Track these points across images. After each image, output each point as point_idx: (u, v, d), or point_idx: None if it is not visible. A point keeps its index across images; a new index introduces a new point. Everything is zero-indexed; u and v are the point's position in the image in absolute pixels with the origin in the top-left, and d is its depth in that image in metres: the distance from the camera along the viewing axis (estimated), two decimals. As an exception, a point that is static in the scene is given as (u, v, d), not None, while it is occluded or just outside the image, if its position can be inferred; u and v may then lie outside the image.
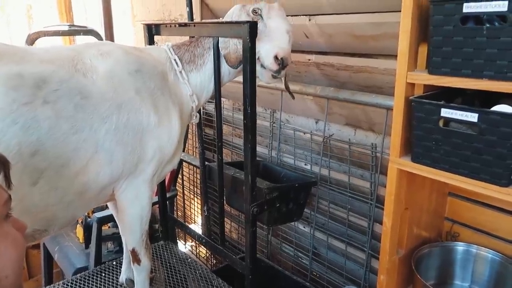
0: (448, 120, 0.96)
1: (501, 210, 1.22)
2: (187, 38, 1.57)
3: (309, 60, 1.93)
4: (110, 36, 3.21)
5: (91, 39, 3.08)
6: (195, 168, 2.82)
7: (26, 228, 0.66)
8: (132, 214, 1.29)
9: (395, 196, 1.12)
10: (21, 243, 0.63)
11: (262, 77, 1.43)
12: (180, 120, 1.34)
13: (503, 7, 0.79)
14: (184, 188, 3.02)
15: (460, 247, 1.25)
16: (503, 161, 0.86)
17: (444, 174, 0.98)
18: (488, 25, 0.85)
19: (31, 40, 2.85)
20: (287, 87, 1.59)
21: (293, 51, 1.45)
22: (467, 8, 0.84)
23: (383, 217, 1.15)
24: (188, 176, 2.95)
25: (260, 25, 1.33)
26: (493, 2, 0.80)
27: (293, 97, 1.63)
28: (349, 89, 1.75)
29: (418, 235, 1.27)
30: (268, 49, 1.35)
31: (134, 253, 1.34)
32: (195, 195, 2.93)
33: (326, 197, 1.91)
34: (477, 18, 0.88)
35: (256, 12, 1.35)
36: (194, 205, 2.97)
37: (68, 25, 3.42)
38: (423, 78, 1.01)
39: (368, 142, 1.73)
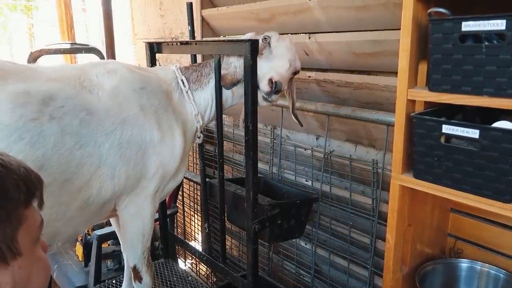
0: (449, 136, 0.96)
1: (504, 226, 1.22)
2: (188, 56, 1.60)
3: (309, 77, 1.95)
4: (111, 54, 3.26)
5: (92, 57, 3.11)
6: (195, 185, 2.81)
7: (47, 248, 0.66)
8: (134, 231, 1.29)
9: (398, 213, 1.11)
10: (49, 265, 0.64)
11: None
12: (184, 138, 1.35)
13: (501, 25, 0.80)
14: (185, 205, 3.01)
15: (464, 263, 1.24)
16: (505, 177, 0.87)
17: (446, 190, 0.98)
18: (487, 43, 0.86)
19: (33, 58, 2.89)
20: (295, 115, 1.62)
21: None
22: (466, 26, 0.86)
23: (386, 234, 1.14)
24: (188, 193, 2.94)
25: (265, 50, 1.39)
26: (491, 21, 0.81)
27: (301, 125, 1.65)
28: (350, 105, 1.76)
29: (421, 251, 1.26)
30: (266, 71, 1.39)
31: (135, 271, 1.33)
32: (195, 211, 2.91)
33: (327, 214, 1.90)
34: (476, 36, 0.89)
35: (266, 39, 1.41)
36: (195, 222, 2.95)
37: (70, 43, 3.47)
38: (424, 95, 1.02)
39: (369, 158, 1.73)
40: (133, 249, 1.32)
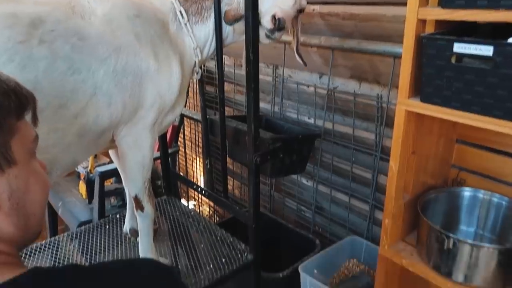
0: (461, 56, 0.92)
1: (509, 155, 1.20)
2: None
3: (313, 10, 1.86)
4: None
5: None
6: (196, 127, 2.80)
7: (46, 168, 0.65)
8: (133, 162, 1.28)
9: (403, 140, 1.09)
10: (47, 181, 0.64)
11: None
12: (181, 70, 1.31)
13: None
14: (186, 147, 3.01)
15: (466, 192, 1.24)
16: (518, 95, 0.83)
17: (455, 113, 0.95)
18: None
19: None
20: (299, 55, 1.56)
21: None
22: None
23: (390, 162, 1.13)
24: (189, 135, 2.93)
25: None
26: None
27: (305, 64, 1.59)
28: (355, 39, 1.69)
29: (424, 181, 1.26)
30: (269, 7, 1.33)
31: (137, 200, 1.34)
32: (197, 154, 2.92)
33: (329, 151, 1.89)
34: None
35: None
36: (197, 163, 2.97)
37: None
38: (436, 13, 0.96)
39: (373, 95, 1.69)
40: (134, 180, 1.32)
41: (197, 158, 2.95)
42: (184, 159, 3.05)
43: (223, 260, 1.56)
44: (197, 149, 2.89)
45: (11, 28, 0.96)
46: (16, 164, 0.56)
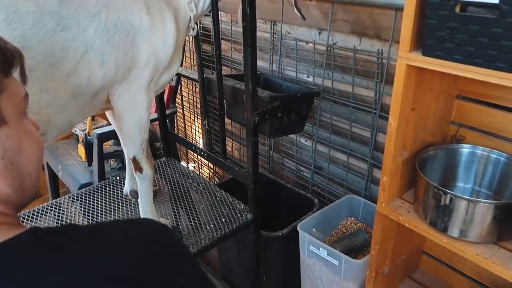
0: (466, 5, 0.87)
1: (509, 110, 1.18)
2: None
3: (313, -39, 1.77)
4: None
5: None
6: (194, 88, 2.76)
7: (39, 128, 0.63)
8: (130, 122, 1.26)
9: (402, 95, 1.07)
10: (41, 140, 0.62)
11: None
12: (176, 26, 1.26)
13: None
14: (184, 108, 2.98)
15: (465, 149, 1.23)
16: (523, 46, 0.80)
17: (457, 66, 0.92)
18: None
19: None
20: (297, 8, 1.49)
21: None
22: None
23: (389, 118, 1.11)
24: (187, 96, 2.90)
25: None
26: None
27: (304, 18, 1.52)
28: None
29: (423, 138, 1.24)
30: None
31: (135, 162, 1.33)
32: (195, 115, 2.90)
33: (328, 110, 1.87)
34: None
35: None
36: (195, 125, 2.95)
37: None
38: (441, -41, 0.91)
39: (374, 50, 1.64)
40: (131, 141, 1.30)
41: (196, 119, 2.93)
42: (182, 121, 3.03)
43: (223, 220, 1.58)
44: (195, 110, 2.86)
45: None
46: (7, 122, 0.54)
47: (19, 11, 0.94)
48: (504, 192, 1.16)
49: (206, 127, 1.78)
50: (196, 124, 2.94)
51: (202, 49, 2.38)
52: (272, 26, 2.06)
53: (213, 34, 1.52)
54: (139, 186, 1.40)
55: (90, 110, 1.23)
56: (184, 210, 1.67)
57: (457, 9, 0.88)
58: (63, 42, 1.01)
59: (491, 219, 1.00)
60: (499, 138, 1.22)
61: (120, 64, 1.14)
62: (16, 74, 0.60)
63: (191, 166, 3.15)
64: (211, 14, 1.47)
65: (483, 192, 1.22)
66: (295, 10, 1.52)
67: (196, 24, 1.43)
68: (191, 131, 3.01)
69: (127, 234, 0.56)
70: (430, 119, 1.23)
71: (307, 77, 1.97)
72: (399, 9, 1.42)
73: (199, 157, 2.92)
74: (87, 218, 1.60)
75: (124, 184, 1.76)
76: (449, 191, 1.02)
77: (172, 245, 0.57)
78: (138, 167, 1.35)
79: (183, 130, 3.08)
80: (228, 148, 2.47)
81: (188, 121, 3.02)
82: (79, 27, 1.04)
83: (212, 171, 2.95)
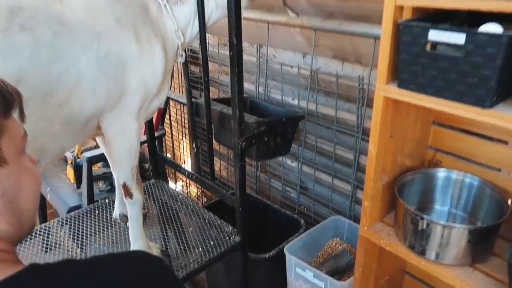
0: (435, 44, 0.94)
1: (481, 136, 1.25)
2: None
3: (296, -10, 1.85)
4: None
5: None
6: (182, 108, 2.80)
7: (35, 162, 0.65)
8: (120, 149, 1.30)
9: (381, 124, 1.13)
10: (38, 176, 0.64)
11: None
12: (164, 54, 1.31)
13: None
14: (172, 129, 3.02)
15: (441, 173, 1.29)
16: (487, 83, 0.87)
17: (429, 99, 0.98)
18: None
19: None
20: (287, 5, 1.54)
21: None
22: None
23: (369, 145, 1.17)
24: (175, 116, 2.93)
25: None
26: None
27: (297, 14, 1.58)
28: (337, 19, 1.70)
29: (402, 163, 1.30)
30: None
31: (125, 188, 1.36)
32: (184, 135, 2.94)
33: (313, 132, 1.93)
34: None
35: None
36: (183, 145, 2.98)
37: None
38: None
39: (355, 75, 1.71)
40: (121, 167, 1.34)
41: (183, 139, 2.97)
42: (170, 140, 3.06)
43: (212, 242, 1.61)
44: (183, 129, 2.90)
45: None
46: (7, 163, 0.57)
47: (16, 44, 0.97)
48: (478, 215, 1.22)
49: (195, 150, 1.82)
50: (184, 143, 2.98)
51: (190, 70, 2.44)
52: (258, 49, 2.13)
53: (201, 58, 1.57)
54: (129, 211, 1.42)
55: (81, 136, 1.26)
56: (173, 232, 1.69)
57: (428, 47, 0.95)
58: (58, 72, 1.05)
59: (466, 242, 1.05)
60: (472, 163, 1.28)
61: (111, 92, 1.18)
62: (15, 114, 0.63)
63: (179, 184, 3.17)
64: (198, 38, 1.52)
65: (459, 214, 1.28)
66: (287, 10, 1.57)
67: (184, 51, 1.48)
68: (179, 151, 3.04)
69: (123, 268, 0.59)
70: (408, 144, 1.30)
71: (292, 99, 2.03)
72: (377, 38, 1.50)
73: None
74: (76, 242, 1.61)
75: (112, 207, 1.78)
76: (425, 217, 1.07)
77: (168, 280, 0.60)
78: (128, 193, 1.37)
79: (171, 149, 3.11)
80: (216, 168, 2.51)
81: (176, 141, 3.05)
82: (73, 58, 1.07)
83: (200, 190, 2.98)
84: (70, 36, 1.07)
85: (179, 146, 3.04)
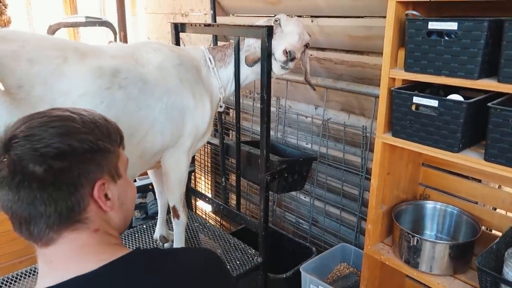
0: (418, 105, 1.31)
1: (461, 175, 1.59)
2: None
3: (311, 55, 2.26)
4: (123, 27, 3.52)
5: (103, 30, 3.37)
6: (206, 149, 3.16)
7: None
8: (174, 178, 1.63)
9: (380, 164, 1.47)
10: (134, 187, 0.95)
11: (274, 69, 1.74)
12: (211, 105, 1.68)
13: (454, 26, 1.14)
14: (196, 167, 3.35)
15: (429, 204, 1.62)
16: (454, 134, 1.22)
17: (415, 145, 1.33)
18: (446, 38, 1.19)
19: (52, 30, 3.13)
20: (308, 82, 1.89)
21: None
22: (431, 26, 1.19)
23: (371, 180, 1.50)
24: (198, 156, 3.29)
25: (277, 30, 1.66)
26: (448, 23, 1.15)
27: (314, 89, 1.94)
28: (345, 80, 2.09)
29: (398, 195, 1.63)
30: (280, 45, 1.64)
31: (174, 210, 1.69)
32: (205, 172, 3.27)
33: (324, 171, 2.27)
34: (439, 32, 1.22)
35: (277, 21, 1.68)
36: (202, 180, 3.31)
37: (85, 17, 3.70)
38: (401, 74, 1.36)
39: (359, 125, 2.08)
40: (173, 193, 1.67)
41: (202, 176, 3.30)
42: (193, 177, 3.40)
43: (237, 262, 1.90)
44: (205, 168, 3.24)
45: (100, 78, 1.32)
46: (121, 177, 0.85)
47: (115, 99, 1.34)
48: (458, 237, 1.53)
49: (224, 184, 2.15)
50: (203, 179, 3.30)
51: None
52: (278, 101, 2.52)
53: (234, 108, 1.93)
54: (175, 230, 1.73)
55: (147, 167, 1.61)
56: (203, 253, 1.98)
57: (413, 108, 1.32)
58: (139, 118, 1.41)
59: (447, 256, 1.36)
60: (455, 197, 1.61)
61: (173, 134, 1.53)
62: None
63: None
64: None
65: (443, 237, 1.59)
66: (308, 83, 1.92)
67: (224, 102, 1.84)
68: (200, 186, 3.37)
69: (195, 258, 0.86)
70: (402, 181, 1.63)
71: (306, 144, 2.38)
72: (377, 97, 1.86)
73: (204, 209, 3.25)
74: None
75: (149, 232, 2.08)
76: (416, 235, 1.39)
77: (224, 270, 0.87)
78: (176, 214, 1.70)
79: (193, 185, 3.43)
80: (233, 201, 2.82)
81: (198, 177, 3.39)
82: (149, 107, 1.44)
83: (219, 223, 3.27)
84: (149, 92, 1.44)
85: (199, 182, 3.37)
